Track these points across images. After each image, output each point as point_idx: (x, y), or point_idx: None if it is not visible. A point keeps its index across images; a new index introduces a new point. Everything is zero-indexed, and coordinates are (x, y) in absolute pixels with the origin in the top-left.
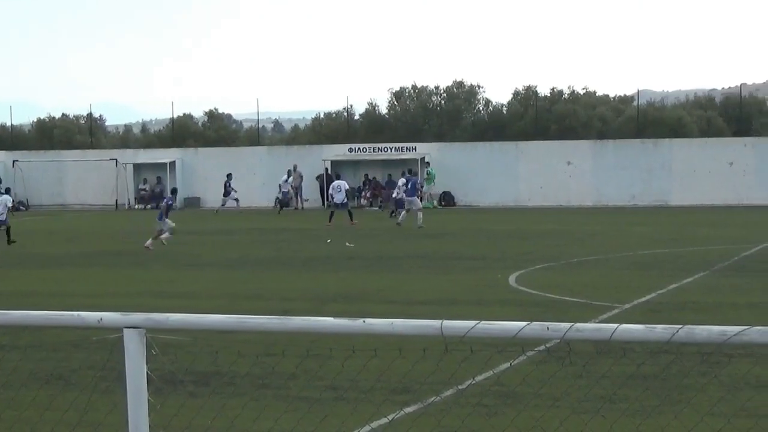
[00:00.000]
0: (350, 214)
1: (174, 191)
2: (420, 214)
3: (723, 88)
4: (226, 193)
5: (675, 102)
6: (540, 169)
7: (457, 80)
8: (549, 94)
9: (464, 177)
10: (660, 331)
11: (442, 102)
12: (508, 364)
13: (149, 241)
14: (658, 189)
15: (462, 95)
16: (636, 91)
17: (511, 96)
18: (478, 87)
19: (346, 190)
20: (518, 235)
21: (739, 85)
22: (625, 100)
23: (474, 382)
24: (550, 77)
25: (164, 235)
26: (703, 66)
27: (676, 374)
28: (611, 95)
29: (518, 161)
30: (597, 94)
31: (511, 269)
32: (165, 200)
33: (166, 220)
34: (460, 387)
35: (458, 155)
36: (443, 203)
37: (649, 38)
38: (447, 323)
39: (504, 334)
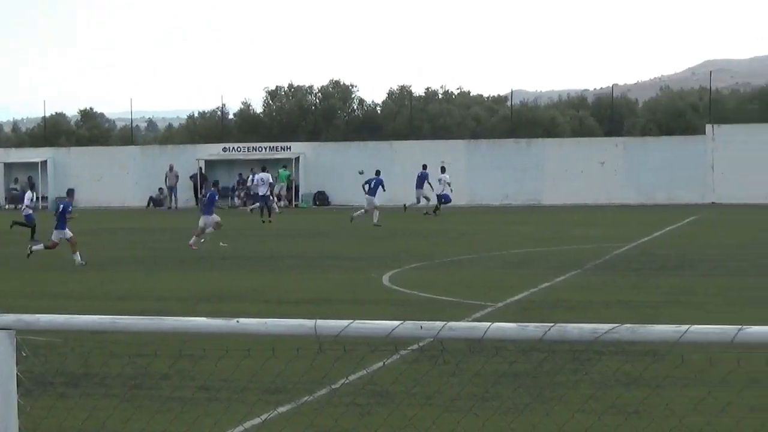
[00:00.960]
0: (269, 210)
1: (216, 183)
2: (376, 213)
3: (595, 89)
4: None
5: (548, 102)
6: (414, 169)
7: (333, 79)
8: (423, 94)
9: (338, 176)
10: (532, 329)
11: (317, 101)
12: (381, 363)
13: (193, 239)
14: (531, 188)
15: (337, 94)
16: (509, 91)
17: (386, 95)
18: (353, 86)
19: (270, 184)
20: (392, 234)
21: (610, 85)
22: (499, 100)
23: (347, 381)
24: (425, 77)
25: (209, 230)
26: (576, 67)
27: (548, 372)
28: (485, 95)
29: (392, 161)
30: (471, 94)
31: (385, 268)
32: (208, 194)
33: (213, 215)
34: (333, 386)
35: (332, 154)
36: (317, 202)
37: (522, 39)
38: (320, 323)
39: (377, 334)
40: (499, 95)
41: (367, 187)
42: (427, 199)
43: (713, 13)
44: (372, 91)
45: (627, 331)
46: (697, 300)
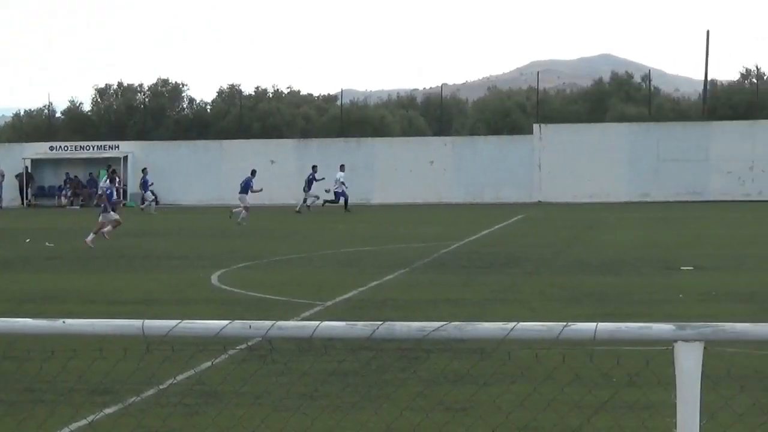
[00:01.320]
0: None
1: (254, 173)
2: (244, 212)
3: (424, 88)
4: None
5: (378, 101)
6: (244, 168)
7: (162, 78)
8: (253, 93)
9: (168, 175)
10: (360, 328)
11: (146, 100)
12: (209, 363)
13: (90, 237)
14: (361, 187)
15: (166, 93)
16: (339, 90)
17: (216, 94)
18: (183, 85)
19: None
20: (221, 233)
21: (440, 85)
22: (329, 99)
23: (175, 381)
24: (255, 76)
25: (107, 228)
26: (406, 66)
27: (376, 370)
28: (315, 94)
29: (222, 160)
30: (301, 94)
31: (214, 268)
32: (245, 181)
33: (111, 213)
34: (161, 386)
35: (161, 154)
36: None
37: (351, 38)
38: (148, 323)
39: (206, 333)
40: (329, 94)
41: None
42: (316, 197)
43: (540, 14)
44: (202, 90)
45: (454, 329)
46: (523, 297)
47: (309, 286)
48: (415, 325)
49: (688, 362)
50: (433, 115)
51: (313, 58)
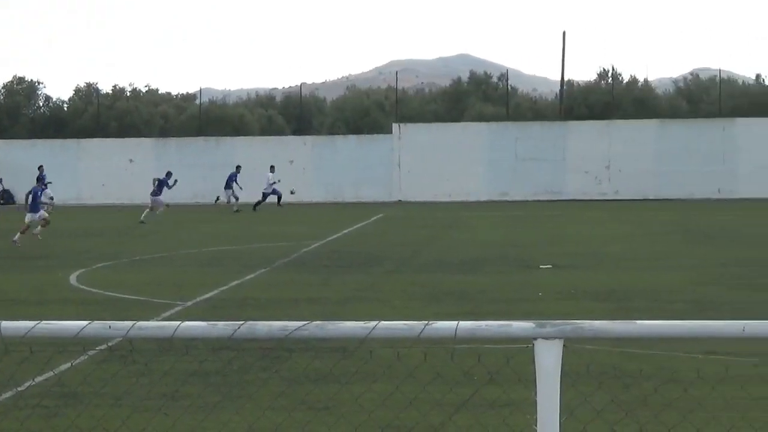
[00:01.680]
0: None
1: (41, 179)
2: (156, 211)
3: (284, 88)
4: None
5: (237, 100)
6: (102, 167)
7: (17, 76)
8: (111, 92)
9: (24, 175)
10: (222, 327)
11: (2, 98)
12: (69, 364)
13: (17, 236)
14: (221, 187)
15: (22, 91)
16: (198, 89)
17: (73, 93)
18: (39, 83)
19: None
20: (80, 233)
21: (299, 84)
22: (188, 98)
23: (34, 383)
24: (112, 75)
25: (37, 229)
26: (264, 66)
27: (238, 370)
28: (174, 93)
29: (79, 159)
30: (159, 92)
31: (72, 268)
32: (32, 191)
33: (40, 212)
34: (19, 389)
35: (18, 153)
36: (2, 201)
37: (209, 37)
38: (6, 324)
39: (65, 334)
40: (187, 93)
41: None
42: (236, 198)
43: (399, 14)
44: (58, 88)
45: (316, 328)
46: (384, 296)
47: (169, 286)
48: (276, 325)
49: (548, 360)
50: (292, 114)
51: (171, 57)
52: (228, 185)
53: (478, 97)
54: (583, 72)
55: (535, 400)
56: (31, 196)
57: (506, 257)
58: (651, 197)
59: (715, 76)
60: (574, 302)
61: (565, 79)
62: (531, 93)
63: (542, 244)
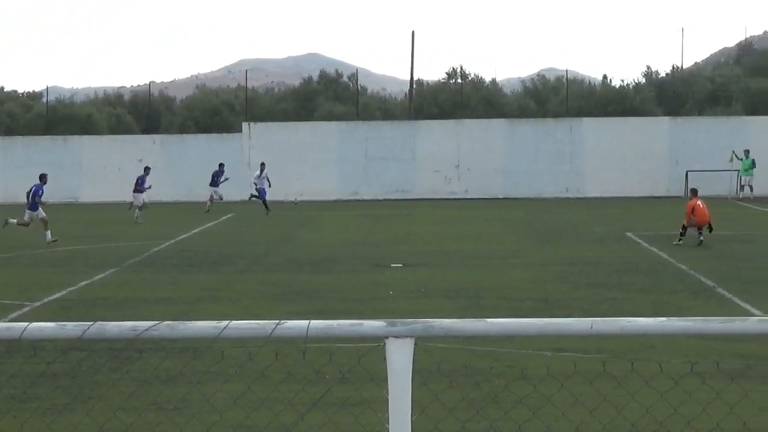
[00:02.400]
0: None
1: (146, 170)
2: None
3: (132, 86)
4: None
5: (85, 99)
6: None
7: None
8: None
9: None
10: (71, 328)
11: None
12: None
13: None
14: (69, 185)
15: None
16: (45, 87)
17: None
18: None
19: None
20: None
21: (147, 83)
22: (34, 96)
23: None
24: None
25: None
26: (112, 64)
27: (88, 371)
28: (20, 91)
29: None
30: (5, 90)
31: None
32: (33, 189)
33: (39, 210)
34: None
35: None
36: None
37: (55, 34)
38: None
39: None
40: (34, 91)
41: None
42: (221, 197)
43: (248, 12)
44: None
45: (167, 328)
46: (235, 296)
47: (16, 287)
48: (126, 325)
49: (399, 358)
50: (141, 112)
51: (16, 54)
52: (214, 183)
53: (327, 96)
54: (433, 72)
55: (387, 399)
56: (31, 194)
57: (357, 256)
58: (500, 196)
59: (563, 76)
60: (424, 301)
61: (415, 78)
62: (381, 92)
63: (393, 243)
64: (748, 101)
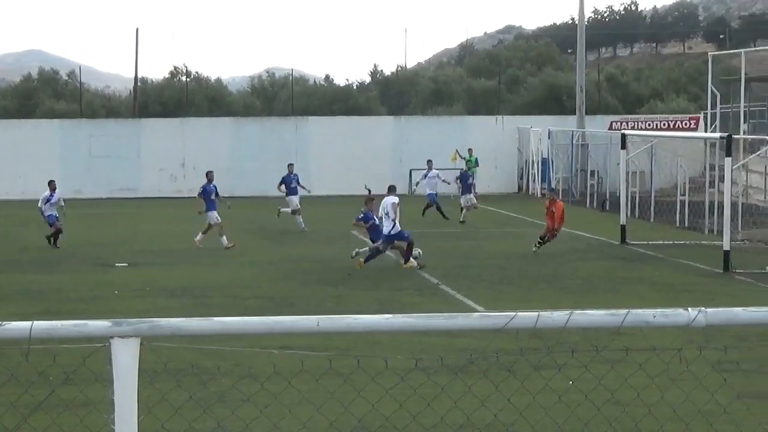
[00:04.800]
0: None
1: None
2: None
3: None
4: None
5: None
6: None
7: None
8: None
9: None
10: None
11: None
12: None
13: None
14: None
15: None
16: None
17: None
18: None
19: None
20: None
21: None
22: None
23: None
24: None
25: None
26: None
27: None
28: None
29: None
30: None
31: None
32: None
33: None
34: None
35: None
36: None
37: None
38: None
39: None
40: None
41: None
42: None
43: None
44: None
45: None
46: None
47: None
48: None
49: (125, 358)
50: None
51: None
52: (292, 191)
53: (48, 93)
54: (158, 70)
55: (113, 399)
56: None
57: (82, 256)
58: (226, 195)
59: (288, 75)
60: (150, 300)
61: (139, 76)
62: (105, 90)
63: (118, 242)
64: (470, 101)
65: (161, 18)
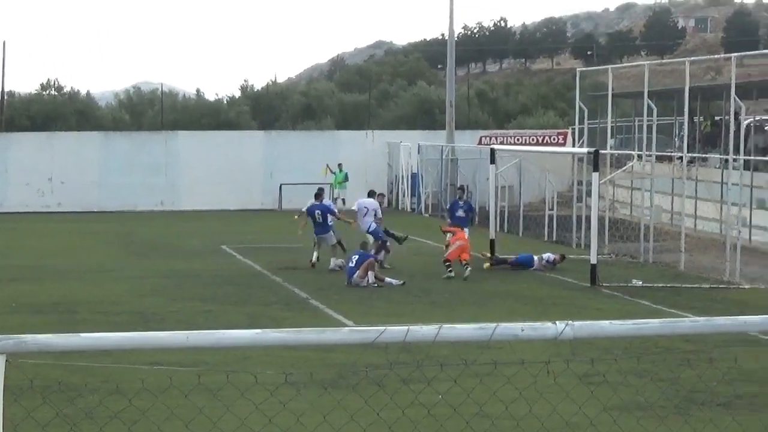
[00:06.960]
0: None
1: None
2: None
3: None
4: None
5: None
6: None
7: None
8: None
9: None
10: None
11: None
12: None
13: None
14: None
15: None
16: None
17: None
18: None
19: None
20: None
21: None
22: None
23: None
24: None
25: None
26: None
27: None
28: None
29: None
30: None
31: None
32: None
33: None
34: None
35: None
36: None
37: None
38: None
39: None
40: None
41: None
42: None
43: None
44: None
45: None
46: None
47: None
48: None
49: None
50: None
51: None
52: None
53: None
54: (25, 83)
55: None
56: None
57: None
58: (95, 209)
59: (158, 89)
60: (16, 316)
61: (7, 90)
62: None
63: None
64: (341, 115)
65: (30, 30)
